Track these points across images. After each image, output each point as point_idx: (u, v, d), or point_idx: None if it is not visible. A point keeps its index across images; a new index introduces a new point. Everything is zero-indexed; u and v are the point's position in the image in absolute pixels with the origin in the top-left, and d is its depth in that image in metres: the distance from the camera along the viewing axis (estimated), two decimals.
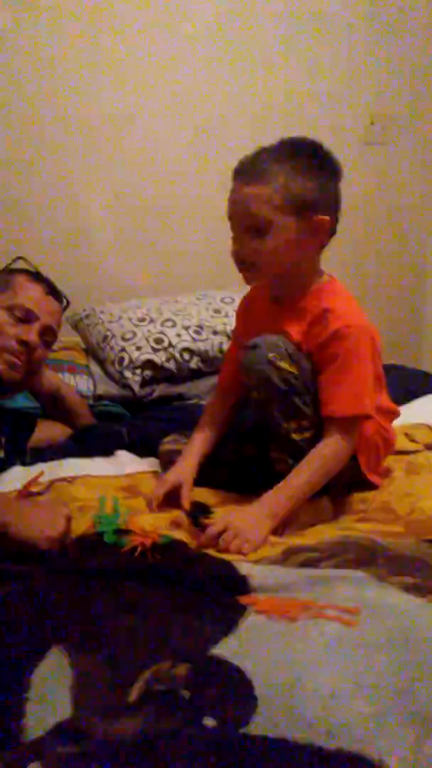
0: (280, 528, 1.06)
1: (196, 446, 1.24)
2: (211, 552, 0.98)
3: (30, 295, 1.36)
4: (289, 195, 1.08)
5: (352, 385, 1.10)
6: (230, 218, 1.13)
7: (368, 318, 1.17)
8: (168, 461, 1.29)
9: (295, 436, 1.11)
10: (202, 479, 1.22)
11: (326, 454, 1.09)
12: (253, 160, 1.11)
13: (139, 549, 0.94)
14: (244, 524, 1.01)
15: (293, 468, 1.10)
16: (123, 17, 2.26)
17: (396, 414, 1.30)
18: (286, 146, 1.13)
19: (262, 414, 1.13)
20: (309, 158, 1.12)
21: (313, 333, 1.13)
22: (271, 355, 1.08)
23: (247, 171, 1.10)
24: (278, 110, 2.50)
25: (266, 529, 1.03)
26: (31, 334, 1.33)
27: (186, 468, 1.20)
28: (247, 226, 1.10)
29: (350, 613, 0.76)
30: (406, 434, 1.45)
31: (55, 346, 1.94)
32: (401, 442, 1.39)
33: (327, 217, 1.11)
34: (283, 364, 1.08)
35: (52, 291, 1.42)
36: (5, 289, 1.37)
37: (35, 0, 2.15)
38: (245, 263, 1.13)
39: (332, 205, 1.14)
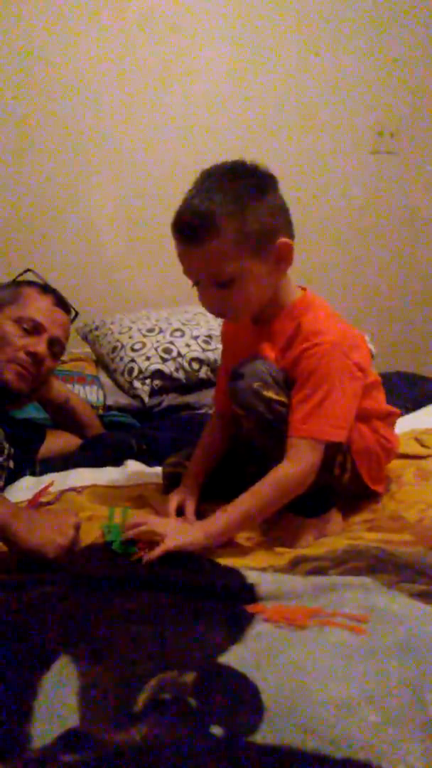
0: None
1: (193, 471, 1.21)
2: (221, 560, 0.98)
3: (38, 306, 1.38)
4: (243, 238, 0.99)
5: (314, 406, 1.02)
6: (186, 274, 1.06)
7: (345, 327, 1.11)
8: (169, 483, 1.27)
9: None
10: (210, 494, 1.21)
11: (280, 479, 1.02)
12: (191, 216, 1.00)
13: (144, 558, 0.94)
14: (170, 527, 1.01)
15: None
16: (132, 28, 2.28)
17: (395, 415, 1.26)
18: (216, 181, 1.03)
19: (253, 441, 1.11)
20: (246, 185, 1.02)
21: (287, 354, 1.08)
22: (256, 384, 1.04)
23: (190, 229, 1.00)
24: (287, 120, 2.53)
25: (191, 537, 0.99)
26: (40, 345, 1.34)
27: (187, 488, 1.18)
28: (208, 281, 1.04)
29: (358, 620, 0.75)
30: (417, 439, 1.44)
31: (64, 357, 1.96)
32: (412, 447, 1.39)
33: (286, 239, 1.04)
34: (269, 394, 1.04)
35: (61, 303, 1.43)
36: (14, 301, 1.38)
37: (43, 18, 2.18)
38: (219, 313, 1.10)
39: (285, 218, 1.06)
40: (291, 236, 1.06)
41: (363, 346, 1.14)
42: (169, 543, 0.96)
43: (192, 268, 1.05)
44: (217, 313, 1.11)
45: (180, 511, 1.15)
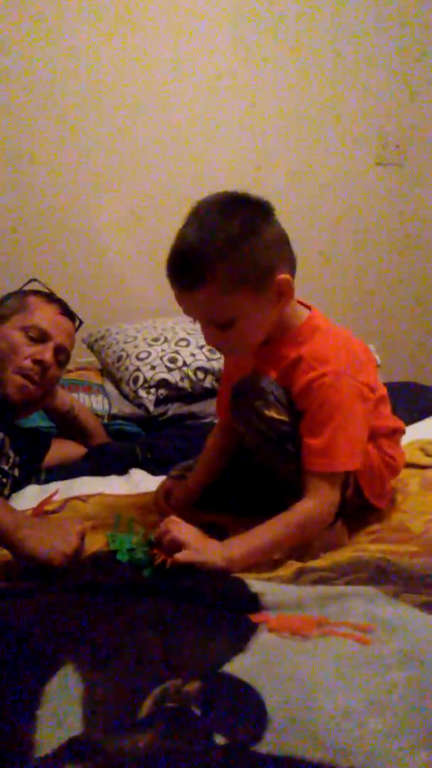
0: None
1: (196, 477, 1.21)
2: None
3: (44, 315, 1.39)
4: (239, 280, 0.95)
5: (327, 440, 1.00)
6: (185, 314, 1.04)
7: (349, 347, 1.08)
8: None
9: (296, 478, 1.05)
10: (212, 504, 1.22)
11: (300, 517, 1.01)
12: (184, 261, 0.97)
13: (168, 562, 0.94)
14: (193, 538, 0.98)
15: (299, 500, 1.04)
16: (137, 36, 2.30)
17: (400, 432, 1.24)
18: (208, 220, 0.98)
19: (258, 457, 1.09)
20: (239, 222, 0.96)
21: (289, 381, 1.05)
22: (257, 404, 1.02)
23: (185, 275, 0.97)
24: (290, 131, 2.54)
25: (213, 557, 0.96)
26: (46, 353, 1.34)
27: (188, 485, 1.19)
28: (208, 322, 1.02)
29: (363, 630, 0.75)
30: (422, 449, 1.44)
31: (70, 366, 1.97)
32: (417, 457, 1.39)
33: (285, 275, 1.00)
34: (271, 413, 1.02)
35: (66, 311, 1.44)
36: (20, 309, 1.39)
37: (51, 24, 2.21)
38: (221, 350, 1.10)
39: (283, 251, 1.02)
40: (291, 267, 1.03)
41: (369, 362, 1.12)
42: (191, 556, 0.95)
43: (190, 312, 1.02)
44: (220, 351, 1.11)
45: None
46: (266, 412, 1.02)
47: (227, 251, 0.94)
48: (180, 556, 0.94)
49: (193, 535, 0.99)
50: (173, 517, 1.02)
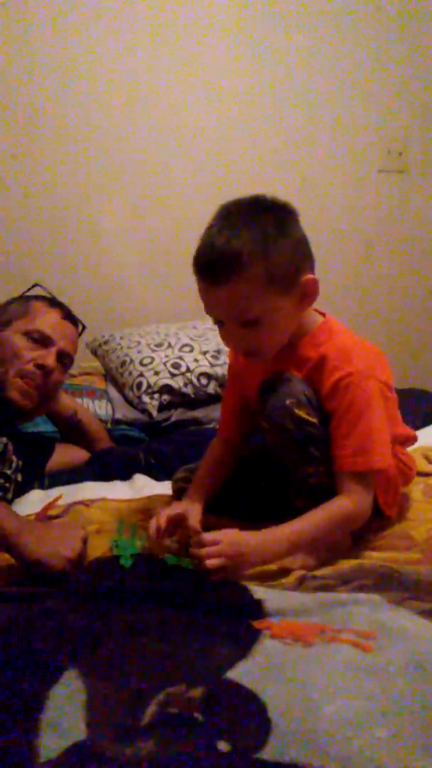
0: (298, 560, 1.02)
1: (195, 493, 1.16)
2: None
3: (47, 320, 1.39)
4: (269, 278, 0.98)
5: (359, 439, 1.02)
6: (208, 313, 1.05)
7: (368, 347, 1.10)
8: (180, 496, 1.24)
9: (312, 481, 1.06)
10: (218, 510, 1.19)
11: (338, 512, 1.01)
12: (215, 255, 0.98)
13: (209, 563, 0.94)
14: (233, 550, 0.95)
15: (311, 506, 1.04)
16: (142, 39, 2.31)
17: (413, 440, 1.25)
18: (239, 219, 1.00)
19: (277, 456, 1.09)
20: (269, 222, 1.00)
21: (315, 382, 1.06)
22: (289, 401, 1.02)
23: (215, 269, 0.98)
24: (293, 137, 2.55)
25: (249, 566, 0.97)
26: (49, 358, 1.35)
27: (191, 503, 1.13)
28: (233, 321, 1.02)
29: (366, 637, 0.75)
30: (425, 456, 1.44)
31: (74, 371, 1.97)
32: (420, 464, 1.38)
33: (311, 275, 1.03)
34: (301, 413, 1.02)
35: (69, 316, 1.44)
36: (23, 314, 1.39)
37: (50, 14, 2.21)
38: (245, 352, 1.08)
39: (307, 252, 1.05)
40: (312, 269, 1.05)
41: (385, 362, 1.13)
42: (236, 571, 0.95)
43: (216, 308, 1.03)
44: (243, 353, 1.09)
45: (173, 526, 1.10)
46: (297, 411, 1.02)
47: (260, 248, 0.97)
48: (216, 562, 0.93)
49: (227, 535, 0.97)
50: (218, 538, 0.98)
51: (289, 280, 1.01)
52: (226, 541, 0.95)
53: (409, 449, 1.27)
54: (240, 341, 1.05)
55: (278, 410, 1.03)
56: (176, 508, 1.11)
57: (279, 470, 1.10)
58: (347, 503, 1.02)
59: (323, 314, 1.13)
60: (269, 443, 1.09)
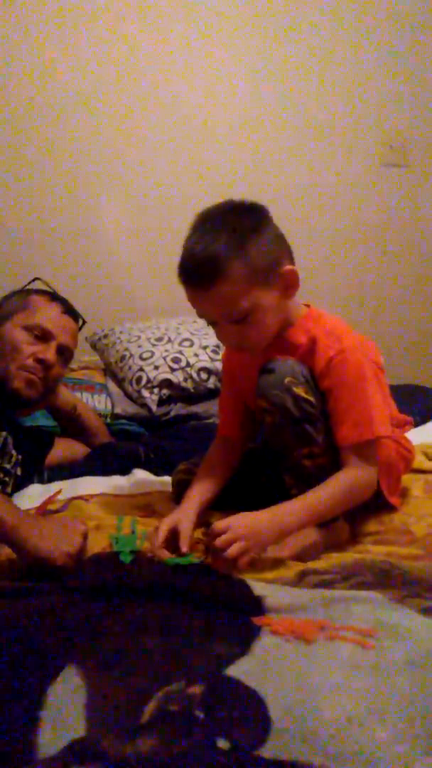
0: (287, 549, 1.03)
1: (194, 496, 1.15)
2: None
3: (47, 314, 1.39)
4: (251, 274, 1.02)
5: (359, 411, 1.06)
6: (200, 317, 1.10)
7: (356, 333, 1.14)
8: (180, 491, 1.24)
9: (306, 462, 1.08)
10: (219, 507, 1.20)
11: (345, 481, 1.05)
12: (196, 262, 1.02)
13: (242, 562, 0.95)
14: (248, 530, 0.96)
15: (304, 492, 1.06)
16: (142, 37, 2.30)
17: (409, 423, 1.29)
18: (214, 224, 1.04)
19: (273, 438, 1.11)
20: (243, 222, 1.04)
21: (309, 363, 1.09)
22: (287, 379, 1.06)
23: (199, 275, 1.03)
24: (294, 133, 2.54)
25: (269, 541, 1.00)
26: (49, 352, 1.35)
27: (185, 512, 1.11)
28: (224, 320, 1.06)
29: (366, 634, 0.75)
30: (425, 453, 1.44)
31: (73, 366, 1.97)
32: (419, 462, 1.38)
33: (291, 266, 1.08)
34: (299, 391, 1.06)
35: (69, 310, 1.44)
36: (23, 308, 1.39)
37: (49, 14, 2.20)
38: (239, 347, 1.11)
39: (284, 245, 1.09)
40: (292, 260, 1.10)
41: (374, 346, 1.16)
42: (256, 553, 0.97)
43: (207, 311, 1.08)
44: (237, 348, 1.12)
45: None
46: (295, 389, 1.06)
47: (237, 248, 1.02)
48: (240, 558, 0.95)
49: (245, 527, 0.97)
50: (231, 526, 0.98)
51: (270, 272, 1.05)
52: (237, 524, 0.97)
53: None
54: (234, 337, 1.09)
55: (277, 388, 1.06)
56: (172, 520, 1.08)
57: (276, 459, 1.12)
58: (355, 473, 1.06)
59: (308, 305, 1.18)
60: (267, 424, 1.10)
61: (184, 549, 1.02)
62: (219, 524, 0.97)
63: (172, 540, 1.05)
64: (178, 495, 1.25)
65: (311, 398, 1.06)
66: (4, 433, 1.28)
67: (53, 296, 1.46)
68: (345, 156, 2.62)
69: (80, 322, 1.49)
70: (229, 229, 1.03)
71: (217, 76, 2.41)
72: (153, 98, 2.36)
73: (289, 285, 1.08)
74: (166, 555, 1.01)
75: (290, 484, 1.12)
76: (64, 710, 0.64)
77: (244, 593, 0.87)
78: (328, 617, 0.80)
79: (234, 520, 0.98)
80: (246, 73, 2.44)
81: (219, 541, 0.95)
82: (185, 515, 1.09)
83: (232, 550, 0.94)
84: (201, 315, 1.10)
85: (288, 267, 1.07)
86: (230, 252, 1.01)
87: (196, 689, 0.66)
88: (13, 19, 2.17)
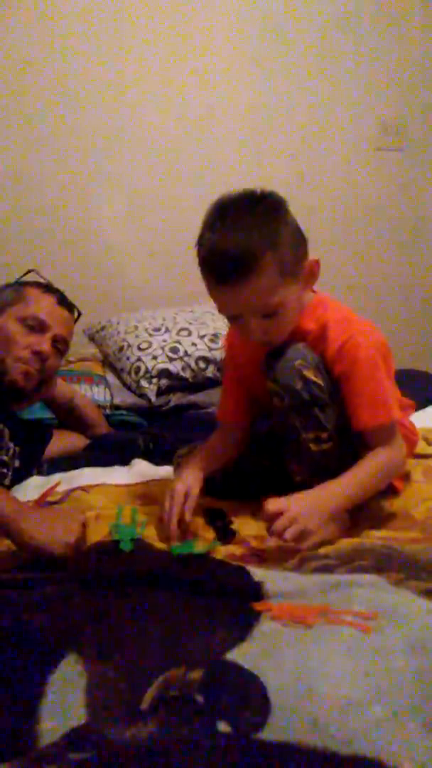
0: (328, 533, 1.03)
1: (200, 463, 1.17)
2: (225, 558, 0.98)
3: (42, 305, 1.38)
4: (282, 267, 1.01)
5: (374, 395, 1.07)
6: (223, 312, 1.08)
7: (363, 317, 1.15)
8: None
9: (312, 447, 1.08)
10: (216, 490, 1.21)
11: (379, 462, 1.07)
12: (229, 257, 0.99)
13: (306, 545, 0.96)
14: (304, 513, 0.97)
15: (309, 479, 1.08)
16: (136, 26, 2.29)
17: (412, 407, 1.30)
18: (240, 215, 1.02)
19: (281, 423, 1.11)
20: (269, 214, 1.03)
21: (320, 348, 1.10)
22: (298, 363, 1.06)
23: (233, 271, 0.99)
24: (289, 116, 2.52)
25: (319, 524, 1.00)
26: (44, 343, 1.34)
27: (195, 477, 1.14)
28: (254, 315, 1.04)
29: (366, 618, 0.75)
30: (424, 438, 1.44)
31: (71, 357, 1.96)
32: (419, 446, 1.38)
33: (315, 258, 1.07)
34: (309, 374, 1.06)
35: (64, 302, 1.44)
36: (18, 300, 1.39)
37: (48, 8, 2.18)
38: (265, 341, 1.09)
39: (304, 237, 1.07)
40: (307, 251, 1.09)
41: (379, 330, 1.16)
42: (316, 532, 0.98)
43: (236, 307, 1.05)
44: (262, 342, 1.09)
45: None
46: (305, 371, 1.06)
47: (268, 242, 1.00)
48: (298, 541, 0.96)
49: (300, 508, 0.98)
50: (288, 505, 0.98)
51: (297, 265, 1.05)
52: (293, 507, 0.97)
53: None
54: (261, 332, 1.07)
55: (288, 370, 1.06)
56: (184, 485, 1.11)
57: (281, 443, 1.12)
58: (386, 451, 1.07)
59: (314, 291, 1.17)
60: (275, 407, 1.10)
61: (189, 517, 1.07)
62: (274, 506, 0.97)
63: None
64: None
65: (321, 382, 1.07)
66: (0, 425, 1.28)
67: (48, 288, 1.45)
68: (339, 139, 2.60)
69: (75, 313, 1.48)
70: (258, 222, 1.00)
71: (212, 61, 2.39)
72: (147, 85, 2.34)
73: (311, 276, 1.08)
74: (174, 529, 1.04)
75: (295, 470, 1.12)
76: (65, 698, 0.64)
77: (244, 579, 0.88)
78: (327, 601, 0.79)
79: (289, 502, 0.98)
80: (241, 57, 2.42)
81: (278, 525, 0.95)
82: (195, 480, 1.12)
83: (292, 535, 0.95)
84: (225, 310, 1.07)
85: (313, 259, 1.07)
86: (263, 246, 0.99)
87: (197, 674, 0.66)
88: (11, 14, 2.15)
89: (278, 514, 0.96)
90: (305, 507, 0.98)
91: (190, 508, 1.08)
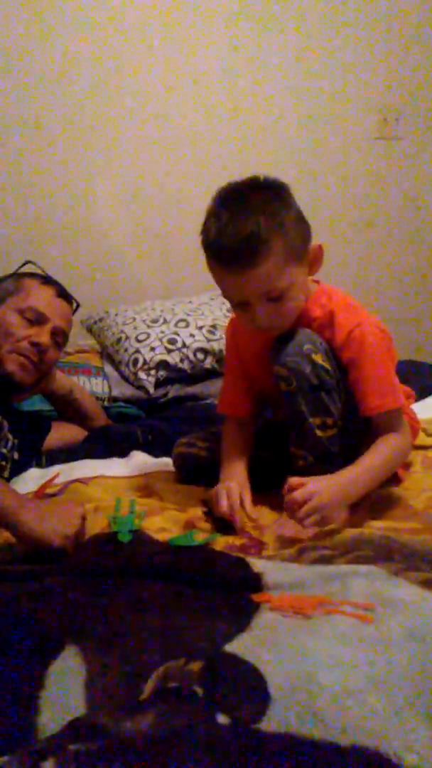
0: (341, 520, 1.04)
1: (237, 465, 1.17)
2: (225, 549, 0.98)
3: (41, 297, 1.38)
4: (289, 251, 1.02)
5: (382, 380, 1.09)
6: (228, 297, 1.09)
7: (365, 308, 1.16)
8: (181, 464, 1.28)
9: (318, 433, 1.09)
10: (216, 481, 1.19)
11: (390, 447, 1.08)
12: (237, 241, 0.99)
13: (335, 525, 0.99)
14: (327, 500, 0.98)
15: (313, 465, 1.09)
16: (134, 19, 2.27)
17: (412, 397, 1.31)
18: (246, 200, 1.02)
19: (287, 407, 1.11)
20: (274, 199, 1.04)
21: (327, 335, 1.11)
22: (306, 347, 1.07)
23: (242, 255, 1.00)
24: (288, 106, 2.51)
25: (344, 508, 1.02)
26: (43, 335, 1.34)
27: (243, 481, 1.14)
28: (261, 299, 1.04)
29: (365, 609, 0.75)
30: (424, 429, 1.44)
31: (69, 349, 1.96)
32: (419, 437, 1.38)
33: (319, 243, 1.09)
34: (318, 358, 1.07)
35: (62, 293, 1.43)
36: (16, 292, 1.38)
37: (53, 10, 2.17)
38: (270, 327, 1.08)
39: (307, 222, 1.08)
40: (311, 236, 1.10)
41: (380, 323, 1.17)
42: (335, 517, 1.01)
43: (243, 291, 1.05)
44: (268, 328, 1.09)
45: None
46: (314, 356, 1.07)
47: (276, 225, 1.01)
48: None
49: (322, 496, 0.99)
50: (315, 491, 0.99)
51: (302, 249, 1.06)
52: (318, 493, 0.98)
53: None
54: (266, 318, 1.06)
55: (296, 354, 1.07)
56: (239, 486, 1.12)
57: (287, 430, 1.12)
58: (396, 438, 1.09)
59: (317, 281, 1.18)
60: (282, 392, 1.10)
61: (255, 515, 1.09)
62: (300, 493, 0.98)
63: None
64: (179, 468, 1.28)
65: (328, 366, 1.08)
66: None
67: (46, 279, 1.45)
68: (338, 129, 2.59)
69: (74, 305, 1.48)
70: (264, 206, 1.01)
71: (210, 52, 2.37)
72: (146, 78, 2.32)
73: (316, 261, 1.09)
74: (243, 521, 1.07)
75: (299, 456, 1.13)
76: (64, 690, 0.64)
77: (244, 570, 0.88)
78: (326, 592, 0.80)
79: (313, 488, 0.98)
80: (240, 46, 2.40)
81: (301, 512, 0.97)
82: (245, 484, 1.14)
83: (312, 521, 0.97)
84: (232, 295, 1.07)
85: (316, 244, 1.08)
86: (271, 229, 1.00)
87: (196, 666, 0.66)
88: (11, 14, 2.14)
89: (306, 500, 0.97)
90: (330, 497, 0.99)
91: (252, 510, 1.10)
